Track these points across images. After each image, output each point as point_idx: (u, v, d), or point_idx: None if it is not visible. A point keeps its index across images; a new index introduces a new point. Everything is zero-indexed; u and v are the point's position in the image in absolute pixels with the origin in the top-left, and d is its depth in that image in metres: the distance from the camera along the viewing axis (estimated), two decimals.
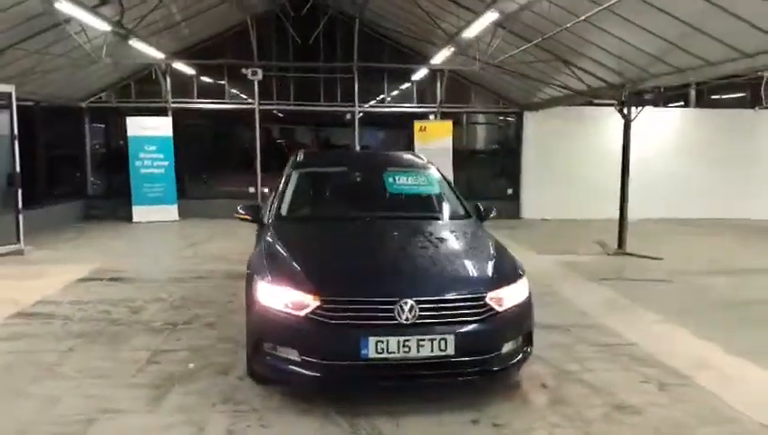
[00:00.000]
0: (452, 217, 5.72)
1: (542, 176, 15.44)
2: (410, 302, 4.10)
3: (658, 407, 4.45)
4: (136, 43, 10.71)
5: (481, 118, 16.96)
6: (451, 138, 14.84)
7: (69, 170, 15.33)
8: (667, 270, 9.29)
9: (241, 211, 5.59)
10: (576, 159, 15.14)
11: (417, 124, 14.92)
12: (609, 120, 12.86)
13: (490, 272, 4.53)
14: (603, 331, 6.28)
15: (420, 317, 4.11)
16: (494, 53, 10.88)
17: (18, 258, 9.60)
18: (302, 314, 4.12)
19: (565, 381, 4.93)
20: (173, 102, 14.88)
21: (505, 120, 16.69)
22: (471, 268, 4.62)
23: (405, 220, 5.50)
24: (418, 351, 4.08)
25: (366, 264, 4.57)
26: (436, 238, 5.08)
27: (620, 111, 10.60)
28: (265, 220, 5.48)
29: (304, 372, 4.13)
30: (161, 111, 14.66)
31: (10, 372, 4.94)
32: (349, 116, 15.54)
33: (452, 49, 11.05)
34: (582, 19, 8.05)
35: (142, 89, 14.89)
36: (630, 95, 10.33)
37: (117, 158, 15.13)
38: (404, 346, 4.06)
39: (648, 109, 10.81)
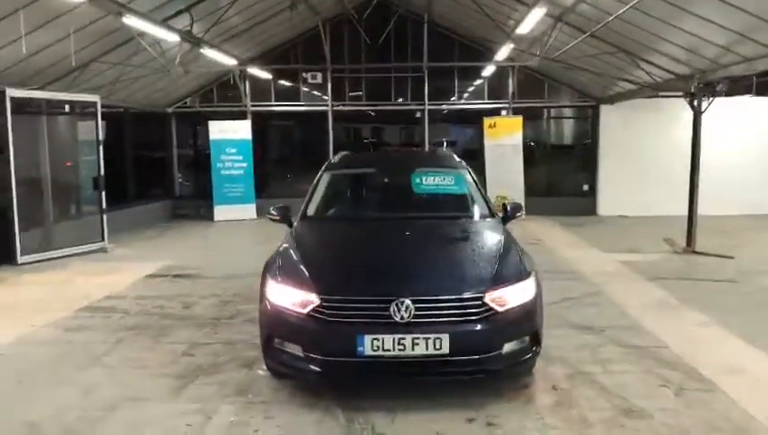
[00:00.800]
0: (472, 217, 5.74)
1: (620, 171, 14.90)
2: (406, 301, 4.21)
3: (668, 412, 4.32)
4: (208, 52, 11.33)
5: (555, 112, 16.56)
6: (521, 133, 14.62)
7: (157, 172, 16.38)
8: (736, 270, 8.81)
9: (273, 212, 5.87)
10: (656, 152, 14.50)
11: (487, 121, 14.82)
12: (689, 111, 12.26)
13: (491, 272, 4.54)
14: (639, 332, 6.10)
15: (416, 316, 4.22)
16: (558, 46, 10.68)
17: (101, 255, 10.45)
18: (304, 312, 4.34)
19: (579, 382, 4.87)
20: (252, 106, 15.59)
21: (581, 113, 16.22)
22: (472, 268, 4.65)
23: (424, 221, 5.59)
24: (413, 349, 4.19)
25: (368, 264, 4.73)
26: (448, 238, 5.16)
27: (690, 103, 10.09)
28: (293, 221, 5.74)
29: (307, 366, 4.35)
30: (241, 115, 15.40)
31: (63, 361, 5.47)
32: (419, 114, 15.66)
33: (511, 45, 10.92)
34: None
35: (224, 94, 15.67)
36: (700, 86, 9.82)
37: (202, 160, 16.06)
38: (399, 344, 4.18)
39: (721, 100, 10.22)
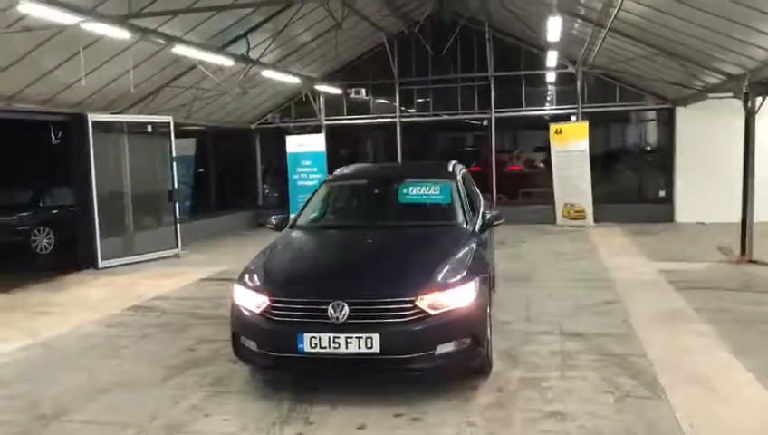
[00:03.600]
0: (445, 226, 5.96)
1: (697, 176, 14.17)
2: (342, 303, 4.61)
3: (593, 417, 4.41)
4: (268, 73, 12.22)
5: (628, 116, 16.04)
6: (587, 139, 14.33)
7: (242, 184, 17.60)
8: None
9: (272, 221, 6.47)
10: (734, 155, 13.65)
11: (553, 127, 14.68)
12: None
13: (427, 277, 4.83)
14: (626, 341, 6.07)
15: (351, 317, 4.61)
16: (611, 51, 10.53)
17: (173, 261, 11.57)
18: (257, 312, 4.86)
19: (529, 386, 5.01)
20: (326, 120, 16.45)
21: (654, 116, 15.62)
22: (409, 274, 4.95)
23: (396, 229, 5.93)
24: (347, 347, 4.58)
25: (316, 269, 5.22)
26: (405, 246, 5.50)
27: (744, 103, 9.60)
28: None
29: (260, 360, 4.89)
30: (316, 129, 16.29)
31: (89, 352, 6.33)
32: (485, 122, 15.78)
33: (555, 52, 10.90)
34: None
35: (301, 110, 16.63)
36: (752, 84, 9.33)
37: (284, 172, 17.09)
38: (334, 342, 4.59)
39: None
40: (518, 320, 6.92)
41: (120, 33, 8.06)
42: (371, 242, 5.64)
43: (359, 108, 16.60)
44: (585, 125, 14.45)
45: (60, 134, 10.86)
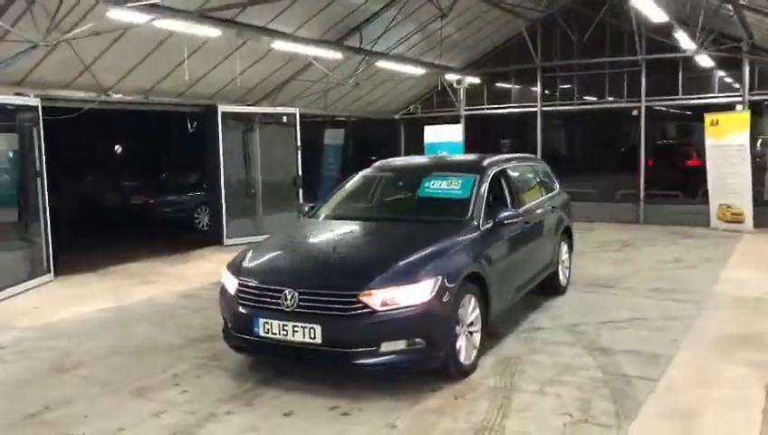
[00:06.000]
0: (448, 221, 5.71)
1: None
2: (293, 292, 4.73)
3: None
4: (386, 64, 12.43)
5: None
6: (748, 132, 12.47)
7: None
8: None
9: (304, 209, 6.73)
10: None
11: (709, 117, 12.99)
12: None
13: (379, 272, 4.72)
14: (651, 362, 5.34)
15: (299, 307, 4.71)
16: None
17: None
18: (232, 294, 5.15)
19: (491, 398, 4.70)
20: (465, 110, 16.28)
21: None
22: (364, 267, 4.88)
23: (395, 223, 5.82)
24: (293, 335, 4.70)
25: (286, 258, 5.33)
26: (386, 239, 5.40)
27: None
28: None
29: (229, 341, 5.20)
30: (456, 119, 16.22)
31: (145, 318, 7.13)
32: (635, 112, 14.42)
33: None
34: None
35: (443, 100, 16.63)
36: None
37: None
38: (283, 330, 4.74)
39: None
40: (554, 327, 6.42)
41: (226, 32, 8.90)
42: (357, 235, 5.63)
43: (499, 97, 16.15)
44: (746, 115, 12.60)
45: (194, 124, 12.11)
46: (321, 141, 17.68)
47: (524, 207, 6.61)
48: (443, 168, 6.63)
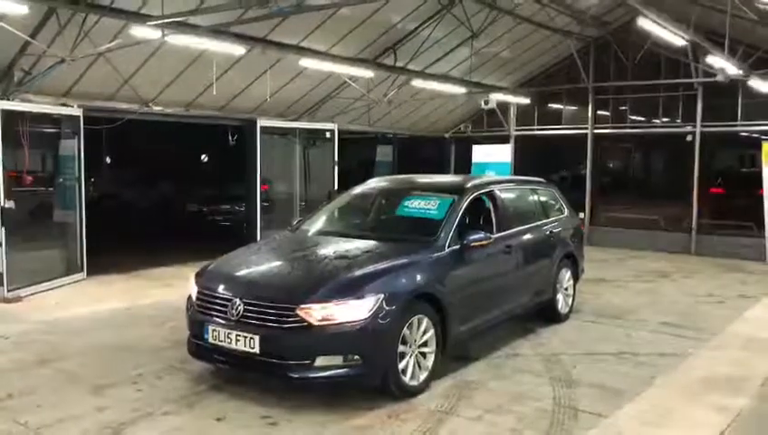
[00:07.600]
0: (413, 241, 5.69)
1: None
2: (238, 301, 4.89)
3: None
4: (419, 83, 12.46)
5: None
6: None
7: None
8: None
9: (291, 223, 6.89)
10: None
11: (766, 145, 12.24)
12: None
13: (315, 288, 4.79)
14: (614, 398, 5.13)
15: (243, 316, 4.86)
16: None
17: None
18: (192, 300, 5.37)
19: (424, 421, 4.65)
20: (515, 130, 16.08)
21: None
22: (306, 282, 4.97)
23: (367, 240, 5.79)
24: (236, 344, 4.85)
25: (243, 268, 5.49)
26: (347, 256, 5.42)
27: None
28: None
29: (188, 345, 5.39)
30: (503, 139, 16.04)
31: (147, 320, 7.48)
32: (690, 137, 13.76)
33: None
34: None
35: (494, 119, 16.47)
36: None
37: None
38: (227, 337, 4.91)
39: None
40: (532, 355, 6.26)
41: (254, 49, 9.30)
42: (321, 250, 5.70)
43: (550, 118, 15.83)
44: None
45: (235, 137, 12.59)
46: (374, 157, 18.03)
47: (509, 231, 6.49)
48: (425, 188, 6.63)
